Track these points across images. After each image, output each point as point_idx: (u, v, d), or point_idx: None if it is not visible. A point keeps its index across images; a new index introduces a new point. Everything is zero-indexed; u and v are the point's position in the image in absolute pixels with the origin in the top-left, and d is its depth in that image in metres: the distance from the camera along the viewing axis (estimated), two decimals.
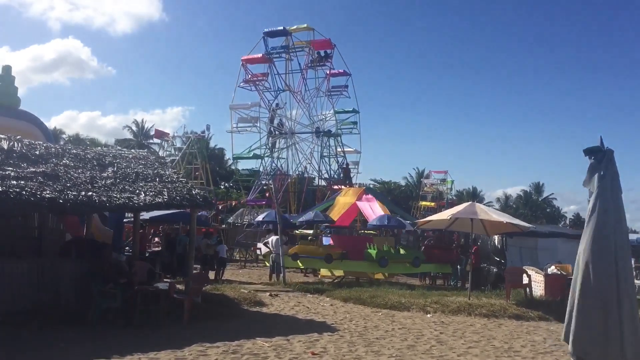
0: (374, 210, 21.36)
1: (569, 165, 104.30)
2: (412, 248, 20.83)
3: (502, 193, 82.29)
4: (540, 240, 19.01)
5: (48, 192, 9.59)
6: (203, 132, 39.84)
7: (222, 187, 53.09)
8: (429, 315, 12.48)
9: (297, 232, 24.44)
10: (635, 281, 6.44)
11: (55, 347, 8.05)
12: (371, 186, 55.22)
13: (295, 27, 38.10)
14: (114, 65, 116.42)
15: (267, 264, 20.10)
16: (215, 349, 8.29)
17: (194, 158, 36.53)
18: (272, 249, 18.96)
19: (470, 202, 15.96)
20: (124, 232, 18.89)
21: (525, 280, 14.56)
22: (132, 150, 15.25)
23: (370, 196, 23.06)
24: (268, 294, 14.73)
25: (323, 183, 41.00)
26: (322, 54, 39.91)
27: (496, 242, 20.54)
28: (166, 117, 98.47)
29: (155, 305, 10.53)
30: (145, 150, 21.16)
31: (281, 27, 37.32)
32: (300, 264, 19.83)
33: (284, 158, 38.96)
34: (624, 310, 4.97)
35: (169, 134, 38.76)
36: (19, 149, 11.02)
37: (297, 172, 39.78)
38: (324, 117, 41.72)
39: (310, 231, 24.43)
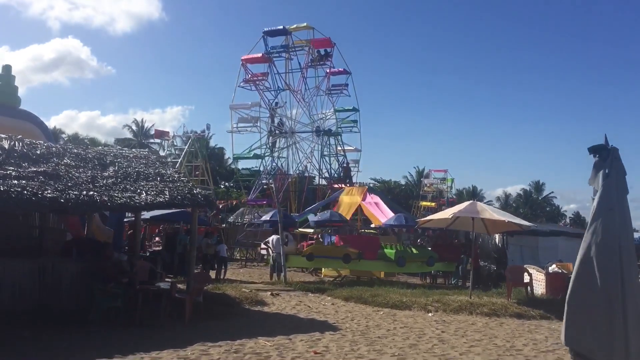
0: (382, 210, 21.39)
1: (568, 164, 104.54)
2: (424, 247, 20.61)
3: (502, 192, 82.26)
4: (541, 239, 19.05)
5: (49, 191, 9.58)
6: (203, 131, 39.85)
7: (222, 186, 53.07)
8: (430, 314, 12.48)
9: (296, 231, 24.46)
10: None
11: (56, 347, 8.03)
12: (371, 185, 55.22)
13: (295, 26, 38.03)
14: (113, 65, 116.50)
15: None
16: (218, 348, 8.28)
17: (194, 157, 36.51)
18: (272, 248, 18.95)
19: (471, 201, 15.97)
20: (124, 231, 18.87)
21: (526, 279, 14.56)
22: (133, 150, 15.23)
23: (375, 196, 23.12)
24: (269, 293, 14.73)
25: (323, 182, 40.97)
26: (322, 52, 39.82)
27: (497, 241, 20.57)
28: (166, 117, 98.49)
29: (156, 304, 10.51)
30: (146, 150, 21.13)
31: (281, 26, 37.29)
32: (314, 265, 19.39)
33: (284, 157, 38.94)
34: (629, 308, 4.96)
35: (169, 132, 38.76)
36: (19, 148, 11.01)
37: (297, 172, 39.74)
38: (324, 116, 41.67)
39: (311, 230, 24.43)
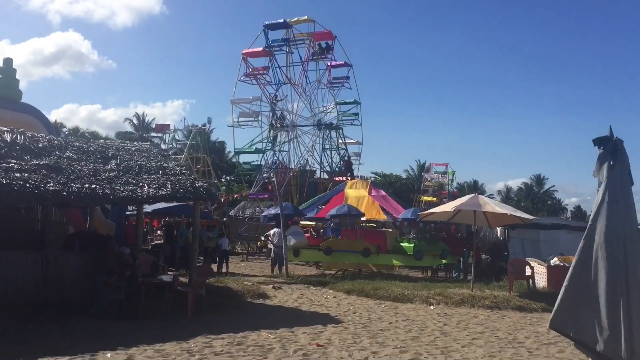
0: (390, 203, 21.33)
1: (570, 157, 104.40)
2: (436, 240, 20.45)
3: (503, 185, 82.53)
4: (543, 232, 19.02)
5: (52, 184, 9.57)
6: (204, 125, 39.86)
7: (223, 180, 53.10)
8: (432, 307, 12.50)
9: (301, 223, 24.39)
10: None
11: (60, 339, 8.05)
12: (372, 179, 55.16)
13: (295, 19, 37.93)
14: (114, 59, 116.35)
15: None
16: (221, 340, 8.30)
17: (195, 151, 36.53)
18: (273, 241, 18.92)
19: (473, 194, 15.92)
20: (125, 225, 18.88)
21: (528, 272, 14.57)
22: (135, 143, 15.22)
23: (380, 190, 23.11)
24: (271, 286, 14.76)
25: (325, 175, 40.96)
26: (323, 45, 39.70)
27: (498, 234, 20.55)
28: (167, 111, 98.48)
29: (159, 297, 10.54)
30: (148, 143, 21.12)
31: (282, 20, 37.19)
32: (332, 260, 19.15)
33: (285, 151, 38.94)
34: (633, 299, 4.96)
35: (169, 125, 38.77)
36: (22, 141, 10.99)
37: (298, 165, 39.73)
38: (325, 109, 41.63)
39: (313, 223, 24.40)
